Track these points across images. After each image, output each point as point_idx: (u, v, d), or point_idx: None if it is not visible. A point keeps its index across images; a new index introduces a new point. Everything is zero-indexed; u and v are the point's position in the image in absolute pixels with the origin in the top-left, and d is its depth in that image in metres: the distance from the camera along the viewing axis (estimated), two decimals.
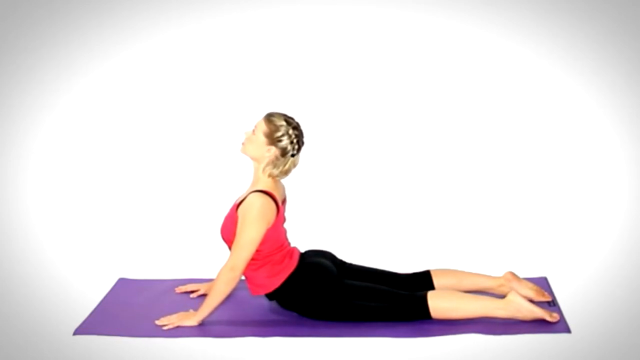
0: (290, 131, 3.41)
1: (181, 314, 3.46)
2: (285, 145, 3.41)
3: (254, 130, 3.46)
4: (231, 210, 3.47)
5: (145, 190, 4.87)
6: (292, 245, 3.63)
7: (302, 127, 3.49)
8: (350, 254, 3.89)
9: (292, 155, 3.43)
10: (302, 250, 3.66)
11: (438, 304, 3.34)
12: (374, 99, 4.98)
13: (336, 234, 4.42)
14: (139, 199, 4.82)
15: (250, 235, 3.33)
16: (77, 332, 3.40)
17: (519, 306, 3.32)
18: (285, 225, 3.58)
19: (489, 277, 3.58)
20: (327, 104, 4.98)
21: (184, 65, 4.99)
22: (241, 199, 3.43)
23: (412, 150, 4.95)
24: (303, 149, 3.50)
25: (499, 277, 3.56)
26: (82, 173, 4.94)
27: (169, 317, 3.46)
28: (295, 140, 3.42)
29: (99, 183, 4.90)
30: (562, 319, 3.36)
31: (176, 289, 3.84)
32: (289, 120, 3.44)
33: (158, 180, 4.91)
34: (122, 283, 3.94)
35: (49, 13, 4.91)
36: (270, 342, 3.28)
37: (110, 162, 4.97)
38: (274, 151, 3.41)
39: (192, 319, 3.42)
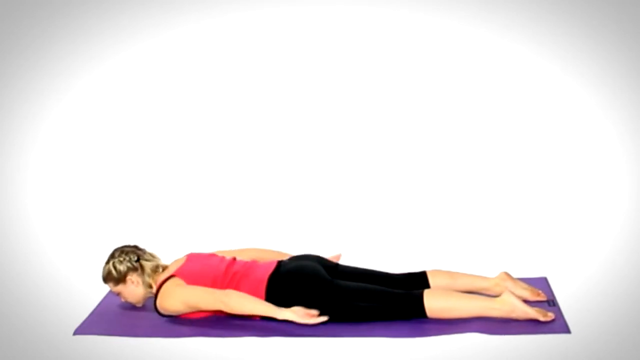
0: (115, 262, 3.58)
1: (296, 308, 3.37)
2: (125, 267, 3.56)
3: (118, 294, 3.61)
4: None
5: (145, 190, 4.87)
6: (287, 247, 3.64)
7: (118, 246, 3.65)
8: (347, 255, 3.89)
9: (137, 261, 3.57)
10: (296, 253, 3.67)
11: (434, 303, 3.35)
12: (372, 98, 4.98)
13: (333, 235, 4.42)
14: (139, 199, 4.82)
15: (185, 301, 3.41)
16: (77, 332, 3.40)
17: (512, 306, 3.32)
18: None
19: (484, 277, 3.59)
20: (326, 103, 4.98)
21: (184, 66, 4.99)
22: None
23: (410, 151, 4.95)
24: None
25: (494, 278, 3.57)
26: (83, 173, 4.94)
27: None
28: (123, 257, 3.58)
29: (99, 183, 4.90)
30: (562, 319, 3.36)
31: None
32: (107, 261, 3.61)
33: (158, 180, 4.91)
34: None
35: (48, 13, 4.91)
36: (270, 342, 3.28)
37: (110, 162, 4.97)
38: (133, 279, 3.57)
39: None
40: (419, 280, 3.56)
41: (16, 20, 4.90)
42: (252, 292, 3.42)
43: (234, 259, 3.60)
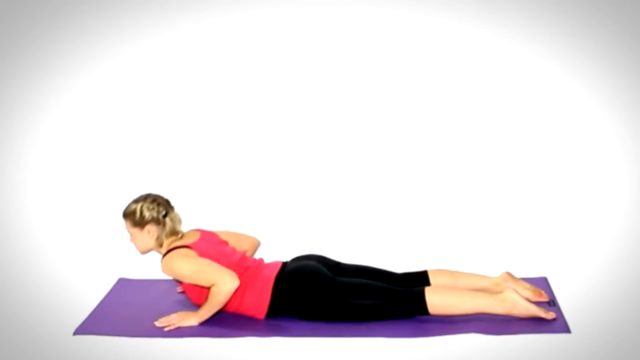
0: (144, 204, 3.54)
1: (181, 314, 3.47)
2: (151, 216, 3.52)
3: (130, 234, 3.57)
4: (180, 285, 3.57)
5: (145, 190, 4.87)
6: (287, 247, 3.67)
7: (155, 193, 3.60)
8: (348, 254, 3.90)
9: (165, 216, 3.53)
10: (297, 253, 3.67)
11: (436, 299, 3.35)
12: (372, 98, 4.98)
13: (334, 234, 4.42)
14: None
15: (190, 267, 3.41)
16: (77, 332, 3.40)
17: (515, 303, 3.32)
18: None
19: (486, 277, 3.58)
20: (327, 103, 4.98)
21: (184, 66, 4.99)
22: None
23: (411, 151, 4.95)
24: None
25: (496, 277, 3.57)
26: (83, 173, 4.94)
27: (168, 317, 3.46)
28: (154, 206, 3.53)
29: (99, 183, 4.90)
30: (562, 318, 3.36)
31: (176, 289, 3.84)
32: (137, 199, 3.57)
33: (158, 180, 4.91)
34: (122, 283, 3.94)
35: (48, 13, 4.91)
36: (270, 342, 3.28)
37: (110, 163, 4.97)
38: (151, 230, 3.53)
39: (192, 320, 3.42)
40: (420, 280, 3.56)
41: (16, 20, 4.90)
42: (260, 290, 3.44)
43: (245, 253, 3.62)
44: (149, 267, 4.11)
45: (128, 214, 3.54)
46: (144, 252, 3.60)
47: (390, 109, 4.98)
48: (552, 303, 3.51)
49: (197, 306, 3.53)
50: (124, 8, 4.91)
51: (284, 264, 3.57)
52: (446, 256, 4.12)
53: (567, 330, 3.26)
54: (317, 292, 3.40)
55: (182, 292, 3.81)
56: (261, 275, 3.49)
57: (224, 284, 3.36)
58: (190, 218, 4.60)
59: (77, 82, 4.99)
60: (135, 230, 3.54)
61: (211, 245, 3.55)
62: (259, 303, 3.46)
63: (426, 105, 4.97)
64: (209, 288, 3.42)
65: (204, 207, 4.66)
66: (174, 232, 3.56)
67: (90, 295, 3.78)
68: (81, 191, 4.87)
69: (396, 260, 4.00)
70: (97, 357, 3.21)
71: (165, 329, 3.39)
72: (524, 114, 4.91)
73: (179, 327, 3.40)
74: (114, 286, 3.90)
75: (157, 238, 3.53)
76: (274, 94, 4.97)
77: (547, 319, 3.32)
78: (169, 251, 3.48)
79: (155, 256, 4.24)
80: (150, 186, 4.87)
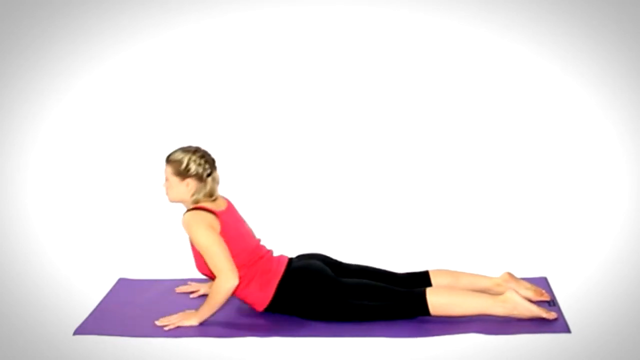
0: (193, 157, 3.49)
1: (181, 314, 3.47)
2: (196, 171, 3.48)
3: (166, 178, 3.52)
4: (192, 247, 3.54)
5: (145, 190, 4.87)
6: (287, 247, 3.67)
7: (204, 148, 3.56)
8: (349, 254, 3.89)
9: (209, 175, 3.49)
10: (298, 253, 3.68)
11: (437, 300, 3.35)
12: (372, 98, 4.98)
13: (335, 234, 4.42)
14: (139, 199, 4.82)
15: (207, 243, 3.38)
16: (77, 332, 3.40)
17: (516, 304, 3.32)
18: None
19: (487, 277, 3.58)
20: (326, 103, 4.98)
21: (184, 66, 4.99)
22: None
23: (411, 151, 4.95)
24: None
25: (497, 278, 3.57)
26: (82, 173, 4.94)
27: (169, 317, 3.46)
28: (202, 162, 3.49)
29: (99, 183, 4.90)
30: (562, 318, 3.36)
31: (176, 289, 3.84)
32: (186, 149, 3.53)
33: (158, 180, 4.91)
34: (122, 283, 3.94)
35: (48, 13, 4.91)
36: (270, 342, 3.28)
37: (110, 163, 4.97)
38: (191, 182, 3.48)
39: (192, 319, 3.42)
40: (422, 280, 3.56)
41: (16, 20, 4.91)
42: (267, 282, 3.45)
43: (260, 241, 3.61)
44: (149, 267, 4.12)
45: (173, 161, 3.48)
46: (173, 201, 3.55)
47: (392, 109, 4.98)
48: (552, 303, 3.51)
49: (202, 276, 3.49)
50: (124, 8, 4.91)
51: (290, 260, 3.57)
52: (447, 256, 4.12)
53: (567, 330, 3.27)
54: (319, 291, 3.41)
55: (182, 293, 3.81)
56: (270, 268, 3.49)
57: (225, 281, 3.35)
58: None
59: (77, 82, 4.99)
60: (175, 179, 3.48)
61: (234, 221, 3.53)
62: (263, 295, 3.46)
63: (427, 106, 4.97)
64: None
65: None
66: (211, 194, 3.51)
67: (90, 295, 3.78)
68: (81, 191, 4.87)
69: (397, 260, 4.00)
70: (97, 357, 3.21)
71: (165, 329, 3.39)
72: (524, 114, 4.92)
73: (179, 327, 3.40)
74: (114, 286, 3.90)
75: (194, 194, 3.48)
76: (275, 94, 4.97)
77: (549, 319, 3.32)
78: (197, 208, 3.45)
79: (155, 256, 4.25)
80: (151, 186, 4.88)
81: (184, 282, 3.92)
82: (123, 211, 4.75)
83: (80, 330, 3.41)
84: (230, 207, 3.56)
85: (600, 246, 4.17)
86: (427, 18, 4.88)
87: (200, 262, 3.48)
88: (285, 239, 4.19)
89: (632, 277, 3.78)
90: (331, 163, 4.93)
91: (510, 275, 3.57)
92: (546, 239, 4.30)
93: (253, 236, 3.59)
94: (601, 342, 3.19)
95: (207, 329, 3.40)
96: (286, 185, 4.85)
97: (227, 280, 3.36)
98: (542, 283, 3.72)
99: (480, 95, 4.94)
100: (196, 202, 3.49)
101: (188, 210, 3.46)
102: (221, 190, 3.99)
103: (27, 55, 4.94)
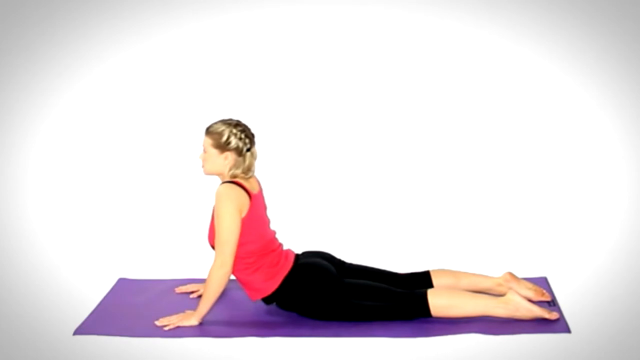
0: (234, 130, 3.43)
1: (181, 314, 3.47)
2: (236, 145, 3.42)
3: (204, 149, 3.48)
4: (212, 216, 3.50)
5: (144, 190, 4.87)
6: (288, 246, 3.66)
7: (244, 122, 3.50)
8: (350, 254, 3.89)
9: (248, 150, 3.45)
10: (300, 252, 3.67)
11: (438, 301, 3.35)
12: (373, 98, 4.98)
13: (336, 234, 4.42)
14: (139, 199, 4.82)
15: (226, 224, 3.35)
16: (77, 332, 3.40)
17: (517, 305, 3.33)
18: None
19: (488, 277, 3.58)
20: (327, 103, 4.98)
21: (184, 65, 4.99)
22: None
23: (412, 151, 4.95)
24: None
25: (498, 278, 3.57)
26: (82, 173, 4.94)
27: (169, 317, 3.46)
28: (243, 136, 3.43)
29: (98, 183, 4.90)
30: (562, 318, 3.36)
31: (176, 289, 3.84)
32: (228, 122, 3.47)
33: (158, 180, 4.91)
34: (122, 283, 3.94)
35: (48, 13, 4.91)
36: (270, 342, 3.28)
37: (110, 163, 4.97)
38: (230, 156, 3.43)
39: (192, 319, 3.42)
40: (423, 280, 3.56)
41: (16, 20, 4.90)
42: (273, 274, 3.45)
43: (275, 233, 3.60)
44: (149, 267, 4.12)
45: (213, 133, 3.42)
46: (208, 174, 3.51)
47: (393, 109, 4.98)
48: (552, 303, 3.51)
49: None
50: (124, 8, 4.91)
51: (297, 256, 3.58)
52: (448, 256, 4.12)
53: (567, 330, 3.27)
54: (323, 290, 3.40)
55: (182, 293, 3.81)
56: (279, 262, 3.48)
57: (218, 266, 3.35)
58: (192, 217, 4.61)
59: (77, 82, 4.99)
60: (214, 152, 3.43)
61: (261, 207, 3.52)
62: (266, 286, 3.45)
63: (428, 106, 4.97)
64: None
65: (204, 206, 4.66)
66: (248, 169, 3.46)
67: (90, 295, 3.78)
68: (81, 191, 4.87)
69: (399, 260, 4.00)
70: (97, 357, 3.21)
71: (165, 329, 3.39)
72: (525, 114, 4.91)
73: (178, 327, 3.40)
74: (114, 286, 3.90)
75: (231, 168, 3.44)
76: (278, 94, 4.97)
77: (551, 319, 3.32)
78: (234, 182, 3.41)
79: (155, 256, 4.25)
80: (151, 186, 4.89)
81: (184, 282, 3.92)
82: (123, 211, 4.75)
83: (80, 330, 3.41)
84: (260, 192, 3.55)
85: (600, 246, 4.17)
86: (427, 18, 4.88)
87: (213, 234, 3.46)
88: (287, 239, 4.19)
89: (632, 277, 3.78)
90: (331, 163, 4.93)
91: (511, 275, 3.57)
92: (546, 239, 4.30)
93: (270, 227, 3.58)
94: (601, 342, 3.19)
95: (207, 329, 3.40)
96: (289, 185, 4.85)
97: (221, 265, 3.35)
98: (542, 283, 3.72)
99: (481, 96, 4.94)
100: (234, 176, 3.44)
101: (225, 182, 3.42)
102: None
103: (27, 55, 4.93)
